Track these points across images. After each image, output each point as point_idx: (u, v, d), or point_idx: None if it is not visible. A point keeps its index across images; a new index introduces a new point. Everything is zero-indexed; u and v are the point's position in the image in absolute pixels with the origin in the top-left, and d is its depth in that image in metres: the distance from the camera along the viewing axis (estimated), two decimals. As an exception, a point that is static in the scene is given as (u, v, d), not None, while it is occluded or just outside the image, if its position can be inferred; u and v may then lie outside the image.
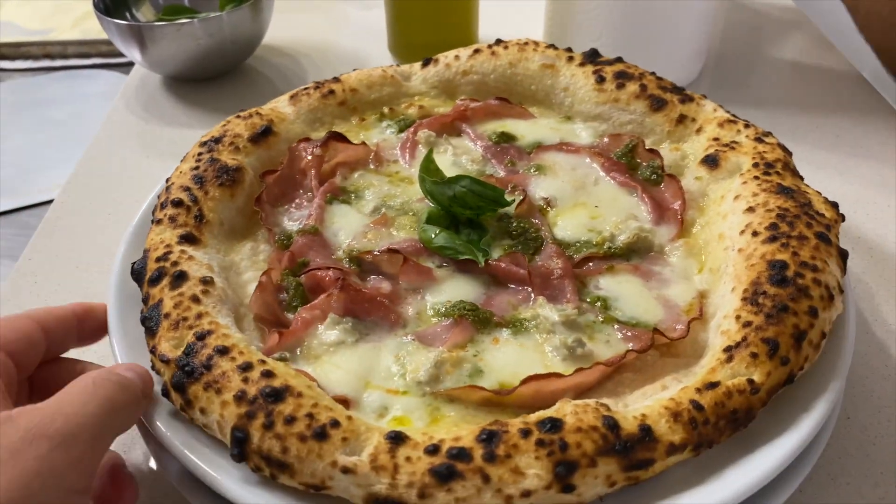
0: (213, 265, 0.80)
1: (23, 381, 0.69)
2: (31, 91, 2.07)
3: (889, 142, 1.28)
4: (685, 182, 0.92)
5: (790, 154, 0.90)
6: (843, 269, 0.76)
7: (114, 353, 0.75)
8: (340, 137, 0.98)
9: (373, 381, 0.71)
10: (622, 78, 1.02)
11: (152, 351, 0.71)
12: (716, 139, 0.94)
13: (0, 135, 1.89)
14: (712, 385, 0.66)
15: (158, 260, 0.78)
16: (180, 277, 0.76)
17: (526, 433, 0.62)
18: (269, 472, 0.62)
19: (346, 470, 0.60)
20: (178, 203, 0.86)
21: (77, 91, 2.03)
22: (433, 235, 0.85)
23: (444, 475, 0.59)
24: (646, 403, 0.67)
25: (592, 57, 1.07)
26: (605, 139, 1.00)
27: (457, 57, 1.12)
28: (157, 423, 0.68)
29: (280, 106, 1.04)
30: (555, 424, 0.62)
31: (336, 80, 1.09)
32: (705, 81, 1.46)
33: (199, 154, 0.92)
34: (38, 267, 1.06)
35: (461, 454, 0.60)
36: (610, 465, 0.61)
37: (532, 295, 0.80)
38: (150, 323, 0.73)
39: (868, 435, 0.82)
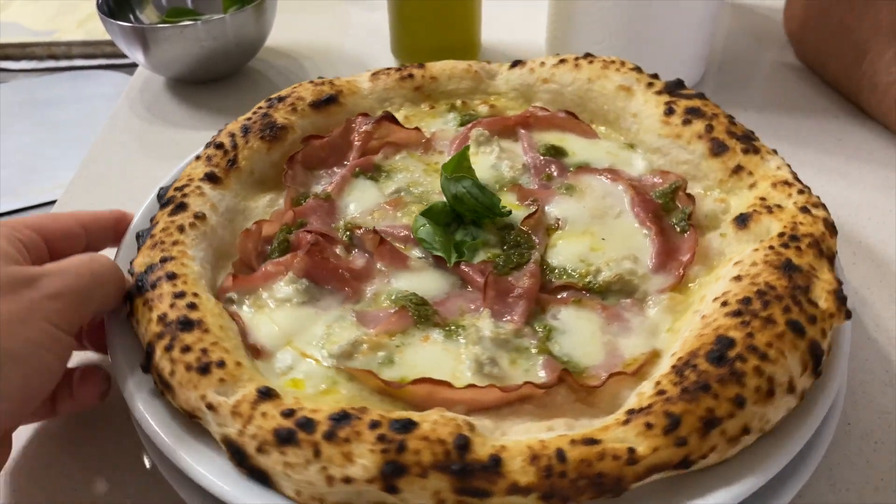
0: (219, 205, 0.88)
1: None
2: (35, 91, 2.06)
3: (892, 146, 1.27)
4: (709, 236, 0.85)
5: (834, 233, 0.79)
6: (814, 371, 0.67)
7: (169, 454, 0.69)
8: (393, 119, 1.02)
9: (295, 341, 0.76)
10: (691, 114, 0.95)
11: (131, 262, 0.81)
12: (762, 199, 0.85)
13: (4, 135, 1.90)
14: (590, 441, 0.62)
15: (177, 189, 0.89)
16: (181, 207, 0.85)
17: (375, 425, 0.63)
18: (161, 389, 0.69)
19: (210, 406, 0.66)
20: (219, 146, 0.95)
21: (81, 92, 2.03)
22: (420, 226, 0.86)
23: (284, 438, 0.62)
24: (520, 438, 0.65)
25: (674, 87, 1.00)
26: (653, 175, 0.95)
27: (542, 63, 1.10)
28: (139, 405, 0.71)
29: (359, 80, 1.11)
30: (406, 426, 0.63)
31: (421, 66, 1.13)
32: (708, 85, 1.45)
33: (259, 108, 1.02)
34: None
35: (307, 424, 0.63)
36: (441, 482, 0.60)
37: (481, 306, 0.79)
38: (140, 239, 0.83)
39: (868, 441, 0.81)
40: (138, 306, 0.75)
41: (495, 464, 0.61)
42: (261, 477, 0.63)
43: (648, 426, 0.62)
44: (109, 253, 0.84)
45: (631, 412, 0.65)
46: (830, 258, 0.77)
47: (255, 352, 0.74)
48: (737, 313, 0.69)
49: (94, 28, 2.15)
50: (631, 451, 0.61)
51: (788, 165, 0.89)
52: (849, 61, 1.32)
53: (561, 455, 0.61)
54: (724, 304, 0.71)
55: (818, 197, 0.85)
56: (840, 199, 1.10)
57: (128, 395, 0.72)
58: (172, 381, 0.68)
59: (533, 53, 1.40)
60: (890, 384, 0.87)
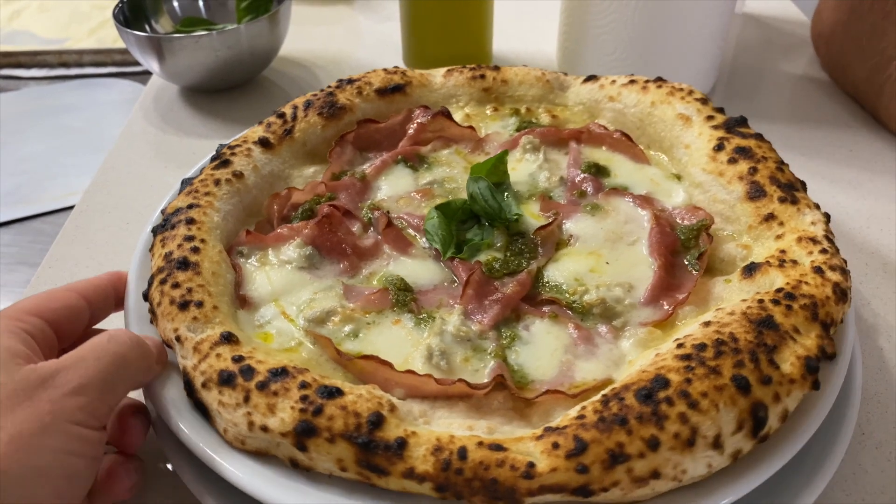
0: (263, 168, 0.97)
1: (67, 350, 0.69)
2: (46, 99, 2.02)
3: None
4: (715, 280, 0.82)
5: (842, 300, 0.74)
6: (753, 434, 0.64)
7: None
8: (449, 116, 1.06)
9: (281, 300, 0.82)
10: (740, 154, 0.91)
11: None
12: (782, 251, 0.80)
13: (16, 142, 1.84)
14: (497, 447, 0.64)
15: (229, 148, 0.98)
16: (225, 164, 0.94)
17: (304, 385, 0.67)
18: (150, 317, 0.78)
19: (178, 339, 0.73)
20: (281, 115, 1.04)
21: (92, 99, 1.99)
22: (430, 218, 0.90)
23: (224, 379, 0.69)
24: (437, 429, 0.67)
25: (735, 124, 0.96)
26: (685, 210, 0.92)
27: (613, 81, 1.09)
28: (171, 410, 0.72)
29: (433, 73, 1.15)
30: (332, 393, 0.67)
31: (496, 68, 1.15)
32: (718, 96, 1.45)
33: (329, 86, 1.09)
34: (56, 275, 1.05)
35: (247, 371, 0.69)
36: (346, 451, 0.64)
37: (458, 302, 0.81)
38: (183, 185, 0.93)
39: (883, 451, 0.82)
40: (157, 242, 0.84)
41: (399, 446, 0.64)
42: (202, 410, 0.70)
43: (555, 446, 0.62)
44: (132, 248, 0.87)
45: (548, 429, 0.65)
46: (827, 324, 0.72)
47: (243, 301, 0.81)
48: (686, 357, 0.67)
49: (106, 36, 2.18)
50: (530, 465, 0.62)
51: (826, 223, 0.83)
52: (874, 66, 1.31)
53: (462, 453, 0.63)
54: (680, 345, 0.69)
55: (844, 260, 0.79)
56: (852, 210, 1.14)
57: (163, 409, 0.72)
58: (158, 311, 0.76)
59: (544, 64, 1.42)
60: None
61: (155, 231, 0.86)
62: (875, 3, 1.30)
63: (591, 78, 1.13)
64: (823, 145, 1.31)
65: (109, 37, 2.18)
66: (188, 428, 0.69)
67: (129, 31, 1.35)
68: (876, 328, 0.97)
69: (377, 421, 0.65)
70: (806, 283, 0.74)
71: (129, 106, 1.70)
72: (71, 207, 1.24)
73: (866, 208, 1.17)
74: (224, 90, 1.48)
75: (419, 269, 0.87)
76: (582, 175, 0.98)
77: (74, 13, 2.29)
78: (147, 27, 1.50)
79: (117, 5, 1.43)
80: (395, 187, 0.99)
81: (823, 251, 0.78)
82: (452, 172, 1.01)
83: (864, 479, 0.79)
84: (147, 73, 1.68)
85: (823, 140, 1.32)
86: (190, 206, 0.87)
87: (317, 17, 1.79)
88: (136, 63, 1.59)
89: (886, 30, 1.29)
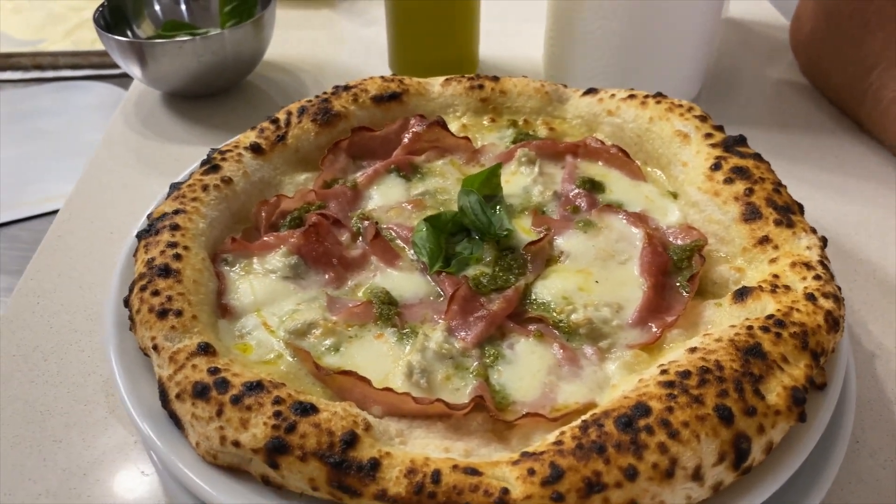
0: (253, 174, 0.95)
1: None
2: (21, 102, 1.95)
3: (890, 163, 1.27)
4: (706, 303, 0.80)
5: (833, 329, 0.72)
6: (735, 467, 0.62)
7: (113, 375, 0.75)
8: (444, 126, 1.05)
9: (263, 310, 0.81)
10: (736, 174, 0.89)
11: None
12: (775, 276, 0.79)
13: None
14: (472, 471, 0.62)
15: (220, 153, 0.97)
16: (214, 169, 0.93)
17: (278, 401, 0.66)
18: (130, 324, 0.77)
19: (155, 348, 0.72)
20: (274, 121, 1.03)
21: (69, 103, 1.93)
22: (420, 230, 0.88)
23: (198, 392, 0.68)
24: (413, 450, 0.66)
25: (733, 143, 0.94)
26: (679, 229, 0.90)
27: (612, 95, 1.08)
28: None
29: (431, 82, 1.14)
30: (306, 410, 0.66)
31: (495, 78, 1.14)
32: (705, 101, 1.44)
33: (324, 93, 1.08)
34: (39, 286, 1.03)
35: (222, 384, 0.68)
36: (318, 470, 0.63)
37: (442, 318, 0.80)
38: (171, 190, 0.92)
39: (878, 459, 0.82)
40: (140, 247, 0.83)
41: (372, 467, 0.62)
42: (176, 421, 0.69)
43: (531, 472, 0.61)
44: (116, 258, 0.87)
45: (525, 454, 0.64)
46: (817, 353, 0.70)
47: (224, 310, 0.80)
48: (669, 384, 0.65)
49: (82, 38, 2.12)
50: (504, 491, 0.60)
51: (822, 248, 0.82)
52: (854, 74, 1.31)
53: (436, 476, 0.61)
54: (664, 372, 0.67)
55: (838, 287, 0.77)
56: (839, 215, 1.15)
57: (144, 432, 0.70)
58: (137, 318, 0.75)
59: (530, 70, 1.45)
60: None
61: (139, 236, 0.85)
62: (854, 12, 1.30)
63: (590, 91, 1.11)
64: (808, 151, 1.31)
65: (86, 39, 2.13)
66: (161, 440, 0.68)
67: (110, 36, 1.33)
68: (868, 335, 0.96)
69: (351, 440, 0.64)
70: (798, 310, 0.73)
71: (107, 110, 1.63)
72: (48, 213, 1.20)
73: (853, 214, 1.17)
74: (208, 96, 1.45)
75: (405, 283, 0.85)
76: (576, 190, 0.97)
77: (49, 14, 2.23)
78: (128, 31, 1.48)
79: (98, 9, 1.40)
80: (386, 197, 0.97)
81: (817, 277, 0.77)
82: (446, 183, 1.00)
83: (859, 488, 0.79)
84: (125, 76, 1.63)
85: (808, 145, 1.32)
86: (176, 212, 0.86)
87: (300, 22, 1.77)
88: (114, 66, 1.54)
89: (865, 39, 1.28)
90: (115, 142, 1.35)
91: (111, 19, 1.43)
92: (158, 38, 1.43)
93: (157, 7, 1.52)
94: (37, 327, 0.95)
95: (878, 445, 0.82)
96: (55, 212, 1.43)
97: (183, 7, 1.54)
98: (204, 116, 1.41)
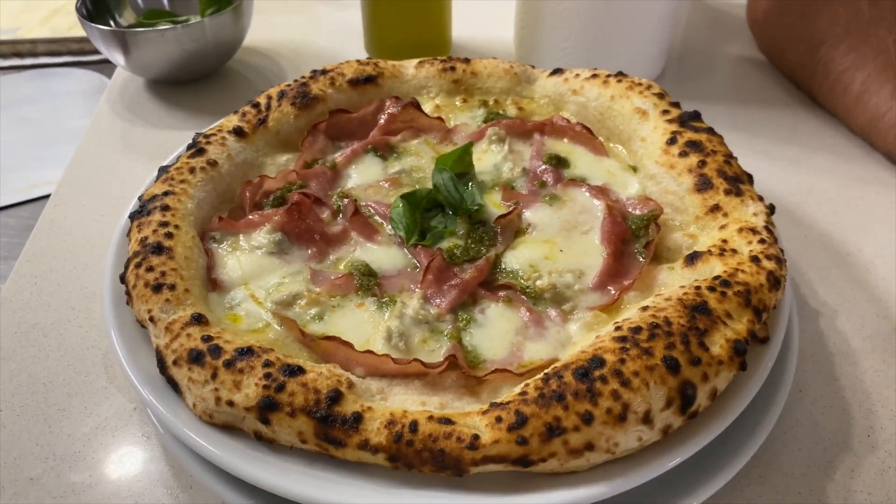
0: (237, 157, 1.01)
1: None
2: (2, 90, 1.95)
3: (842, 134, 1.35)
4: (661, 267, 0.87)
5: (775, 287, 0.79)
6: (682, 411, 0.69)
7: (112, 346, 0.80)
8: (418, 107, 1.10)
9: (251, 283, 0.87)
10: (690, 147, 0.96)
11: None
12: (724, 241, 0.85)
13: None
14: (446, 421, 0.69)
15: (205, 137, 1.02)
16: (200, 152, 0.98)
17: (268, 364, 0.72)
18: (126, 299, 0.83)
19: (152, 319, 0.78)
20: (255, 105, 1.08)
21: (49, 90, 1.93)
22: (396, 206, 0.94)
23: (194, 357, 0.73)
24: (393, 405, 0.72)
25: (688, 118, 1.01)
26: (638, 200, 0.97)
27: (577, 75, 1.14)
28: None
29: (405, 65, 1.19)
30: (294, 371, 0.72)
31: (466, 60, 1.19)
32: (668, 78, 1.51)
33: (302, 77, 1.13)
34: (35, 269, 1.07)
35: (215, 351, 0.74)
36: (305, 425, 0.69)
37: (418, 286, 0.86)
38: (160, 173, 0.97)
39: (818, 406, 0.89)
40: (133, 227, 0.88)
41: (355, 420, 0.69)
42: (174, 386, 0.75)
43: (498, 420, 0.68)
44: (108, 239, 0.92)
45: (493, 405, 0.70)
46: (759, 310, 0.77)
47: (214, 284, 0.86)
48: (622, 339, 0.72)
49: (59, 24, 2.10)
50: (475, 437, 0.67)
51: (768, 214, 0.88)
52: (806, 50, 1.40)
53: (413, 426, 0.68)
54: (618, 328, 0.74)
55: (781, 250, 0.84)
56: (793, 185, 1.23)
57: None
58: (133, 293, 0.81)
59: (501, 50, 1.52)
60: (837, 354, 0.95)
61: (132, 216, 0.90)
62: None
63: (556, 71, 1.17)
64: (765, 124, 1.38)
65: (63, 25, 2.11)
66: (161, 403, 0.74)
67: (93, 25, 1.35)
68: (814, 294, 1.04)
69: (335, 397, 0.70)
70: (742, 271, 0.79)
71: (88, 96, 1.65)
72: (35, 199, 1.24)
73: (807, 183, 1.24)
74: (189, 81, 1.50)
75: (384, 256, 0.91)
76: (543, 166, 1.03)
77: (25, 2, 2.21)
78: (110, 19, 1.50)
79: None
80: (364, 176, 1.03)
81: (762, 241, 0.84)
82: (420, 162, 1.06)
83: (800, 431, 0.86)
84: (104, 62, 1.66)
85: (766, 119, 1.40)
86: (165, 193, 0.91)
87: (277, 7, 1.80)
88: (93, 52, 1.56)
89: (814, 17, 1.36)
90: (102, 128, 1.39)
91: (93, 8, 1.46)
92: (140, 27, 1.46)
93: (138, -5, 1.54)
94: (35, 306, 1.00)
95: (819, 394, 0.90)
96: (43, 198, 1.46)
97: (164, -4, 1.57)
98: (186, 101, 1.45)
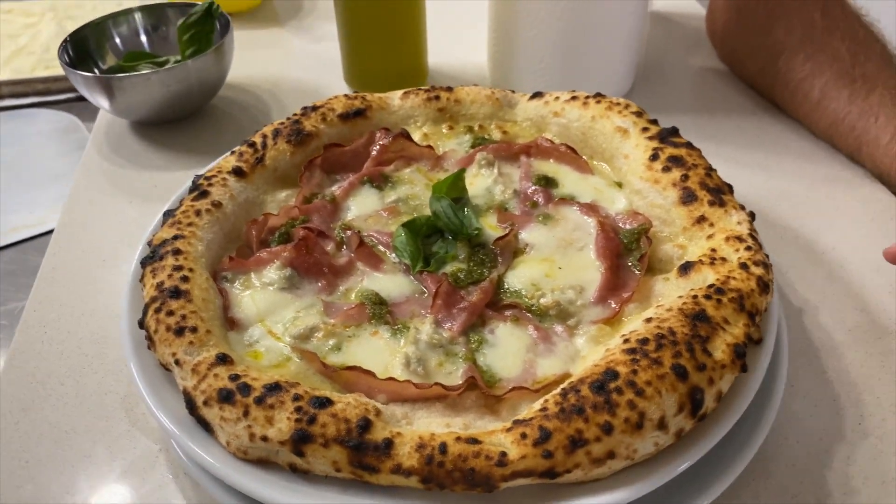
0: (239, 196, 1.04)
1: None
2: None
3: (805, 138, 1.42)
4: (656, 279, 0.92)
5: (765, 291, 0.85)
6: (692, 415, 0.74)
7: (139, 391, 0.83)
8: (408, 137, 1.14)
9: (267, 320, 0.90)
10: (672, 162, 1.01)
11: (152, 236, 0.97)
12: (713, 250, 0.91)
13: None
14: (473, 441, 0.72)
15: (206, 178, 1.04)
16: (203, 195, 1.01)
17: (297, 398, 0.75)
18: (147, 343, 0.85)
19: (177, 362, 0.81)
20: (251, 144, 1.11)
21: (18, 132, 1.89)
22: (399, 235, 0.98)
23: (224, 397, 0.76)
24: (419, 429, 0.76)
25: (667, 134, 1.07)
26: (627, 215, 1.02)
27: (557, 97, 1.19)
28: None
29: (391, 97, 1.23)
30: (323, 403, 0.75)
31: (449, 89, 1.24)
32: (637, 93, 1.57)
33: (294, 115, 1.16)
34: (43, 317, 1.08)
35: (244, 388, 0.76)
36: (339, 454, 0.72)
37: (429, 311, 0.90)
38: (165, 217, 0.99)
39: (809, 399, 0.94)
40: (147, 273, 0.91)
41: (387, 446, 0.72)
42: (205, 425, 0.78)
43: (523, 436, 0.72)
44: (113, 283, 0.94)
45: (516, 422, 0.74)
46: (753, 313, 0.83)
47: (232, 323, 0.89)
48: (631, 351, 0.76)
49: (22, 65, 2.07)
50: (503, 454, 0.71)
51: (750, 222, 0.94)
52: (765, 60, 1.46)
53: (443, 447, 0.71)
54: (626, 340, 0.79)
55: (766, 255, 0.90)
56: (763, 190, 1.29)
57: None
58: (155, 338, 0.83)
59: (477, 75, 1.59)
60: (822, 348, 1.01)
61: (144, 263, 0.93)
62: (759, 4, 1.45)
63: (536, 95, 1.22)
64: (732, 132, 1.45)
65: (26, 65, 2.06)
66: (195, 444, 0.76)
67: (77, 72, 1.37)
68: (795, 293, 1.10)
69: (365, 425, 0.73)
70: (734, 278, 0.85)
71: (58, 136, 1.66)
72: (12, 245, 1.30)
73: (776, 187, 1.30)
74: (174, 121, 1.51)
75: (391, 284, 0.95)
76: (533, 187, 1.08)
77: None
78: (91, 63, 1.52)
79: (61, 45, 1.44)
80: (363, 207, 1.07)
81: (748, 248, 0.89)
82: (415, 190, 1.10)
83: (797, 426, 0.91)
84: (73, 101, 1.69)
85: (732, 127, 1.46)
86: (175, 238, 0.94)
87: (252, 42, 1.82)
88: (60, 91, 1.61)
89: (771, 28, 1.43)
90: (91, 172, 1.40)
91: (74, 54, 1.48)
92: (121, 69, 1.48)
93: (117, 39, 1.56)
94: (48, 355, 1.02)
95: (809, 388, 0.96)
96: (26, 240, 1.46)
97: (143, 38, 1.58)
98: (172, 141, 1.46)
